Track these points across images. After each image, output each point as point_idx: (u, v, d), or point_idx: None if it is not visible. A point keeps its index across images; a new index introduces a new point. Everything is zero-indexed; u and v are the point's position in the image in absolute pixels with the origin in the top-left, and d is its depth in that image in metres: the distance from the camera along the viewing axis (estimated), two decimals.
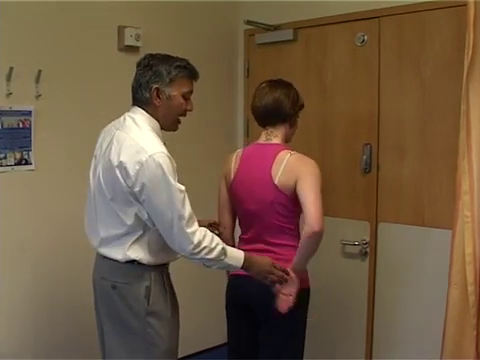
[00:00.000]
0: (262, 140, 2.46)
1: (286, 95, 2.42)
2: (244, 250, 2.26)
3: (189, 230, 2.04)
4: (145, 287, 2.13)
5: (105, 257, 2.17)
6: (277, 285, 2.26)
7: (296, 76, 3.10)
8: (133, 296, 2.13)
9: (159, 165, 2.00)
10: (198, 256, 2.07)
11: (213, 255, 2.09)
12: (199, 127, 3.37)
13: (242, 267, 2.18)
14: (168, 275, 2.25)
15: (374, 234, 3.12)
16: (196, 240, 2.04)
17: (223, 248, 2.12)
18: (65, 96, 2.88)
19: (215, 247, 2.09)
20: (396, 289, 3.07)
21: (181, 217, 2.03)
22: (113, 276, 2.16)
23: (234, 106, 3.73)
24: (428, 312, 2.92)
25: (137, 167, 2.01)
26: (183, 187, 2.05)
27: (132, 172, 2.02)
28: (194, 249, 2.05)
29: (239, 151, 2.54)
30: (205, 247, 2.06)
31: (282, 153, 2.38)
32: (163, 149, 2.05)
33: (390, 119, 3.05)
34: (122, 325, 2.15)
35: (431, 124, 2.90)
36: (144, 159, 2.01)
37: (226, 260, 2.12)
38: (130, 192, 2.05)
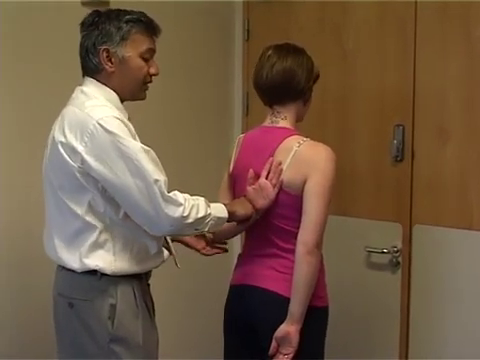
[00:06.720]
0: (267, 123, 2.31)
1: (299, 64, 2.25)
2: (248, 257, 2.27)
3: (171, 193, 1.93)
4: (109, 305, 1.98)
5: (63, 268, 2.04)
6: (273, 344, 2.15)
7: (308, 39, 2.90)
8: (94, 317, 1.99)
9: (109, 130, 1.88)
10: (190, 219, 1.94)
11: (202, 210, 1.97)
12: (184, 106, 3.19)
13: (229, 213, 2.07)
14: (143, 289, 2.09)
15: (408, 239, 2.88)
16: (182, 199, 1.92)
17: (199, 198, 2.02)
18: (11, 62, 2.62)
19: (196, 199, 1.99)
20: (436, 309, 2.82)
21: (156, 181, 1.89)
22: (70, 291, 2.03)
23: (230, 78, 3.50)
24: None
25: (85, 139, 1.90)
26: (148, 148, 1.94)
27: (80, 146, 1.90)
28: (184, 211, 1.92)
29: (241, 137, 2.43)
30: (193, 205, 1.95)
31: (289, 140, 2.21)
32: (114, 113, 1.93)
33: (429, 93, 2.81)
34: (80, 353, 2.02)
35: None
36: (91, 126, 1.89)
37: (213, 212, 2.02)
38: (80, 171, 1.93)
